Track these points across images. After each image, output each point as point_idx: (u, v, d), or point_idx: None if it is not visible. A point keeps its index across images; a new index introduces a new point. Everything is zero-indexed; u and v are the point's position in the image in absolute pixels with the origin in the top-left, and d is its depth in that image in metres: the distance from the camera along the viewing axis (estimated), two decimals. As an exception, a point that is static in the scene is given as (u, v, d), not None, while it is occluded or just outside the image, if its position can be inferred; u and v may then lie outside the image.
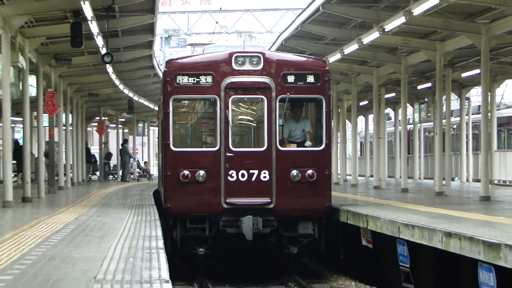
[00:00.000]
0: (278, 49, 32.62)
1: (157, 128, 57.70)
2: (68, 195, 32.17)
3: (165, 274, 9.79)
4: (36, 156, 36.09)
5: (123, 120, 67.15)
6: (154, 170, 63.27)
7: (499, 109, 43.96)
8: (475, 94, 44.00)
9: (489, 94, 29.65)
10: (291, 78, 19.63)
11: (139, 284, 8.98)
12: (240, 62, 19.51)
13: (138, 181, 53.58)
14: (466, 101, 43.18)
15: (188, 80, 19.51)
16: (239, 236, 18.87)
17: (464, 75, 37.07)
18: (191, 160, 19.64)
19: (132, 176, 56.61)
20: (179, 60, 21.19)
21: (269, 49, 29.68)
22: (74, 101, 44.44)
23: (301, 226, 19.70)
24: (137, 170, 59.74)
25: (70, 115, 42.03)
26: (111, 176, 58.24)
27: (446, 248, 14.00)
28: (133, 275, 9.71)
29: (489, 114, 30.20)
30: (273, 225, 19.33)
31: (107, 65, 33.55)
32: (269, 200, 19.34)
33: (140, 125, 70.24)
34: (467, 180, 41.81)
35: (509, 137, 44.62)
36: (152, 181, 52.05)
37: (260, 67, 19.54)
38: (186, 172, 19.21)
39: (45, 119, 34.09)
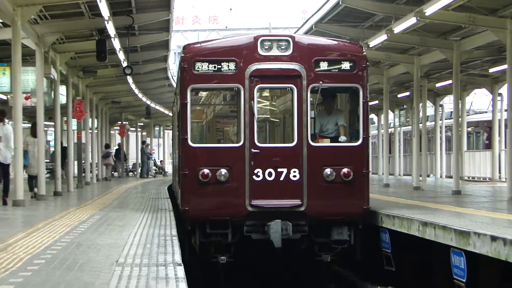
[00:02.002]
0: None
1: (171, 132, 57.49)
2: (93, 189, 32.17)
3: (178, 258, 9.77)
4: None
5: (142, 124, 67.63)
6: (168, 168, 63.28)
7: (469, 115, 43.99)
8: (448, 102, 43.96)
9: (459, 101, 29.69)
10: (324, 65, 15.35)
11: (155, 267, 8.97)
12: (266, 47, 15.17)
13: (155, 177, 53.68)
14: (440, 107, 43.19)
15: (208, 67, 15.18)
16: (266, 242, 14.79)
17: (438, 85, 37.16)
18: (212, 157, 15.24)
19: (149, 173, 56.68)
20: (198, 45, 16.12)
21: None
22: (99, 107, 44.52)
23: (336, 231, 15.35)
24: (154, 167, 59.80)
25: (95, 120, 42.12)
26: (131, 173, 58.36)
27: (423, 235, 13.97)
28: (150, 259, 9.70)
29: (460, 119, 30.23)
30: (304, 230, 15.10)
31: (128, 77, 33.59)
32: (300, 202, 14.93)
33: (157, 128, 71.23)
34: (441, 177, 41.79)
35: (477, 139, 44.68)
36: (167, 177, 52.28)
37: (289, 52, 15.17)
38: (206, 170, 14.89)
39: (73, 123, 34.17)
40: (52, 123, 32.46)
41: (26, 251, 10.29)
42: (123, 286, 7.63)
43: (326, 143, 15.57)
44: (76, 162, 34.87)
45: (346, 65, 15.36)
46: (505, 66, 23.25)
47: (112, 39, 25.69)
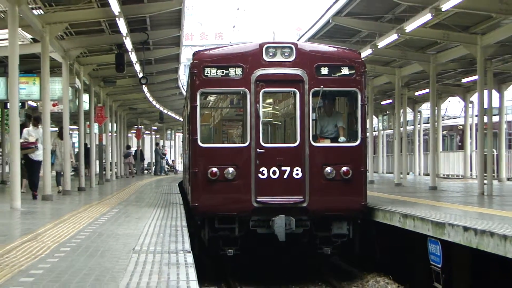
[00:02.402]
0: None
1: (181, 134, 57.63)
2: (113, 185, 32.18)
3: (187, 246, 9.74)
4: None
5: (155, 128, 67.62)
6: (179, 166, 63.34)
7: (444, 120, 44.03)
8: (425, 108, 43.88)
9: (435, 108, 29.67)
10: (324, 70, 14.67)
11: (167, 254, 8.97)
12: (271, 54, 14.52)
13: (167, 175, 53.76)
14: (418, 113, 43.21)
15: (217, 72, 14.53)
16: (270, 236, 14.29)
17: (416, 93, 37.16)
18: (220, 157, 14.68)
19: (162, 171, 56.86)
20: (207, 52, 15.41)
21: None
22: (118, 113, 44.53)
23: (335, 225, 14.84)
24: (166, 166, 59.95)
25: (114, 124, 42.14)
26: (146, 171, 58.52)
27: (403, 226, 13.98)
28: (162, 247, 9.70)
29: (435, 123, 30.22)
30: (306, 225, 14.56)
31: (143, 86, 33.60)
32: (302, 199, 14.35)
33: (168, 132, 71.48)
34: (419, 174, 41.78)
35: (451, 141, 44.73)
36: (178, 174, 52.29)
37: (292, 58, 14.53)
38: (215, 169, 14.32)
39: (95, 127, 34.21)
40: (77, 127, 32.50)
41: (54, 240, 10.30)
42: (139, 271, 7.63)
43: (327, 143, 14.95)
44: (97, 162, 34.90)
45: (345, 71, 14.79)
46: (475, 77, 23.26)
47: (129, 52, 25.72)
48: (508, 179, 32.57)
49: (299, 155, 14.45)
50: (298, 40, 29.12)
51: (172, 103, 50.50)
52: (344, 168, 14.44)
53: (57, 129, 30.36)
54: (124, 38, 22.97)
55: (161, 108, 50.20)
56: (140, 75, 29.67)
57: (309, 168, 14.37)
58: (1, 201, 17.86)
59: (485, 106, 22.40)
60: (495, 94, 29.58)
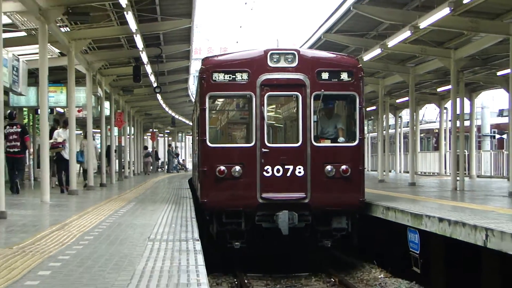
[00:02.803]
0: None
1: (191, 136, 57.72)
2: (130, 182, 32.19)
3: (196, 235, 9.75)
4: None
5: (168, 131, 67.86)
6: (189, 165, 63.40)
7: (421, 124, 44.05)
8: (405, 114, 43.87)
9: (414, 114, 29.74)
10: (325, 75, 13.98)
11: (178, 242, 8.97)
12: (275, 60, 13.86)
13: (178, 172, 53.83)
14: (399, 118, 43.18)
15: (224, 77, 13.88)
16: (275, 230, 13.68)
17: (398, 101, 37.22)
18: (227, 156, 14.01)
19: (174, 169, 57.01)
20: (215, 58, 14.72)
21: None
22: (135, 118, 44.58)
23: (335, 220, 14.18)
24: (178, 164, 60.15)
25: (132, 128, 42.20)
26: (159, 169, 58.70)
27: (385, 217, 13.99)
28: (174, 235, 9.71)
29: (414, 127, 30.28)
30: (307, 219, 13.90)
31: (157, 94, 33.65)
32: (304, 195, 13.71)
33: (179, 134, 71.54)
34: (400, 172, 41.75)
35: (428, 143, 44.73)
36: (188, 172, 52.34)
37: (294, 64, 13.87)
38: (222, 167, 13.67)
39: (115, 130, 34.25)
40: (99, 130, 32.51)
41: (79, 229, 10.31)
42: (153, 257, 7.64)
43: (327, 143, 14.25)
44: (117, 161, 34.93)
45: (344, 76, 14.07)
46: (449, 87, 23.33)
47: (145, 65, 25.78)
48: (477, 176, 32.60)
49: (302, 154, 13.84)
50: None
51: (182, 109, 50.56)
52: (344, 167, 13.83)
53: (82, 132, 30.38)
54: (140, 52, 23.02)
55: (173, 114, 50.30)
56: (155, 84, 29.69)
57: (310, 166, 13.77)
58: (33, 196, 17.87)
59: (458, 112, 22.45)
60: (466, 102, 29.59)
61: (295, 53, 13.99)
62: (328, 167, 13.77)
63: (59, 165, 20.37)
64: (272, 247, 14.60)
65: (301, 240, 14.40)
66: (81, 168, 26.33)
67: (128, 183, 29.79)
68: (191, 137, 57.29)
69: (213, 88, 14.01)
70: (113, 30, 21.45)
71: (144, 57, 24.09)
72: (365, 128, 46.92)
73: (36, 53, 19.48)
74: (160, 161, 61.14)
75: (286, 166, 13.75)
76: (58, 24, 18.93)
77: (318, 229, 14.16)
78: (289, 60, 13.91)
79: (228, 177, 13.69)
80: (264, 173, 13.69)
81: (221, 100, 15.63)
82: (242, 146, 14.53)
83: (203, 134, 14.02)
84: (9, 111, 19.71)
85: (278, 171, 13.73)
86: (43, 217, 12.84)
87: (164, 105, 42.53)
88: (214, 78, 13.92)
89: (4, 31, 14.07)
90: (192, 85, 39.47)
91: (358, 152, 14.25)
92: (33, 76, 24.10)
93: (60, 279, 6.30)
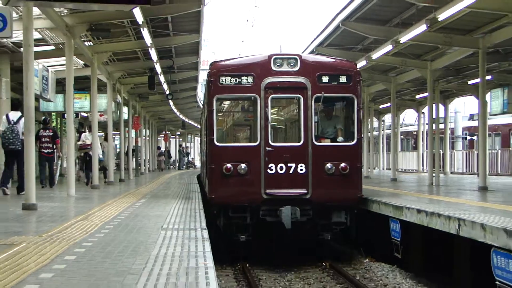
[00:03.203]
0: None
1: (199, 138, 57.79)
2: (146, 177, 32.18)
3: (204, 225, 9.72)
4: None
5: (179, 133, 67.85)
6: (197, 163, 63.44)
7: (402, 127, 44.06)
8: (387, 118, 43.90)
9: (395, 118, 29.72)
10: (325, 79, 13.33)
11: (188, 231, 8.95)
12: (278, 64, 13.27)
13: (188, 169, 53.92)
14: (382, 122, 43.21)
15: (231, 80, 13.25)
16: (278, 224, 13.07)
17: (381, 106, 37.22)
18: (234, 154, 13.35)
19: (184, 166, 57.12)
20: (222, 62, 13.86)
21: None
22: (150, 122, 44.57)
23: (335, 214, 13.55)
24: (187, 163, 60.30)
25: (147, 130, 42.18)
26: (171, 166, 58.81)
27: (369, 209, 13.98)
28: (184, 225, 9.68)
29: (395, 129, 30.25)
30: (309, 214, 13.25)
31: (169, 101, 33.67)
32: (306, 191, 13.07)
33: (189, 136, 71.59)
34: (383, 169, 41.77)
35: (407, 143, 44.76)
36: (196, 169, 52.35)
37: (297, 68, 13.26)
38: (229, 165, 13.05)
39: (132, 132, 34.24)
40: (118, 132, 32.53)
41: (100, 219, 10.30)
42: (166, 244, 7.63)
43: (327, 142, 13.57)
44: (134, 159, 34.93)
45: (343, 79, 13.40)
46: (426, 94, 23.36)
47: (159, 75, 25.80)
48: (451, 173, 32.59)
49: (303, 153, 13.15)
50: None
51: (191, 114, 50.60)
52: (343, 164, 13.14)
53: (103, 134, 30.39)
54: (154, 63, 23.02)
55: (183, 118, 50.34)
56: (167, 92, 29.73)
57: (312, 164, 13.10)
58: (60, 190, 17.87)
59: (434, 116, 22.45)
60: (441, 107, 29.64)
61: (297, 58, 13.42)
62: (328, 165, 13.14)
63: (87, 163, 21.02)
64: (276, 240, 14.01)
65: (303, 233, 13.76)
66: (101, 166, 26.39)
67: (143, 179, 29.79)
68: (199, 138, 57.39)
69: (220, 90, 13.36)
70: (130, 44, 21.47)
71: (158, 68, 24.11)
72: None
73: (63, 65, 19.53)
74: (172, 159, 61.29)
75: (289, 164, 13.12)
76: (82, 39, 18.94)
77: (318, 222, 13.57)
78: (291, 64, 13.33)
79: (234, 174, 13.09)
80: (268, 170, 13.08)
81: (228, 102, 15.02)
82: (248, 145, 13.85)
83: (211, 134, 13.39)
84: (43, 117, 19.96)
85: (281, 168, 13.11)
86: (69, 208, 12.83)
87: (175, 110, 42.55)
88: (221, 81, 13.28)
89: (35, 45, 14.05)
90: (200, 93, 39.47)
91: (356, 150, 13.55)
92: (60, 85, 24.11)
93: (84, 263, 6.29)
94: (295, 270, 13.14)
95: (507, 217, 9.47)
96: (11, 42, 18.45)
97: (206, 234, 8.57)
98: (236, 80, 13.28)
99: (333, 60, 14.56)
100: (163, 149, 56.23)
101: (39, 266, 6.07)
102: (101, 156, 22.22)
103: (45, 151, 18.13)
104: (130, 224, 9.73)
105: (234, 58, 14.31)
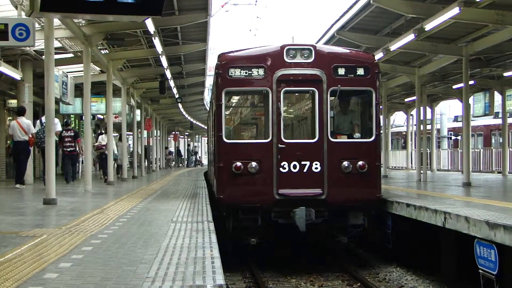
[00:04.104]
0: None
1: (206, 138, 57.82)
2: (157, 174, 32.18)
3: (210, 218, 9.69)
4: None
5: (187, 133, 67.84)
6: (204, 161, 63.49)
7: (392, 128, 44.04)
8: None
9: (387, 119, 29.70)
10: (341, 71, 11.29)
11: (196, 223, 8.92)
12: (291, 55, 11.22)
13: (196, 167, 54.02)
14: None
15: (240, 72, 11.20)
16: (291, 227, 11.13)
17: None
18: (244, 152, 11.27)
19: (192, 164, 57.22)
20: (231, 53, 11.69)
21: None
22: (161, 123, 44.61)
23: (352, 216, 11.53)
24: (195, 161, 60.49)
25: (158, 131, 42.20)
26: (180, 164, 58.93)
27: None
28: (192, 218, 9.64)
29: (387, 130, 30.22)
30: (324, 215, 11.31)
31: (179, 104, 33.63)
32: (321, 191, 11.06)
33: (196, 136, 71.56)
34: (374, 166, 41.72)
35: (397, 143, 44.69)
36: (203, 167, 52.42)
37: (311, 59, 11.21)
38: (239, 163, 11.03)
39: (145, 133, 34.22)
40: (131, 133, 32.53)
41: (115, 213, 10.29)
42: (175, 235, 7.61)
43: (344, 139, 11.56)
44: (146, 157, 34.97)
45: (361, 71, 11.40)
46: (414, 97, 23.27)
47: (169, 80, 25.77)
48: (437, 170, 32.53)
49: (318, 150, 11.17)
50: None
51: (199, 116, 50.62)
52: (360, 162, 11.18)
53: (117, 134, 30.42)
54: (165, 70, 23.01)
55: (191, 119, 50.30)
56: (177, 96, 29.66)
57: (327, 162, 11.13)
58: (78, 186, 17.86)
59: (421, 118, 22.41)
60: (428, 110, 29.57)
61: (312, 48, 11.37)
62: (345, 163, 11.16)
63: (103, 162, 21.85)
64: (288, 243, 12.45)
65: (317, 236, 12.17)
66: (116, 164, 26.40)
67: (155, 176, 29.78)
68: (206, 138, 57.45)
69: (229, 83, 11.32)
70: (143, 52, 21.47)
71: (168, 73, 24.08)
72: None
73: (81, 71, 19.52)
74: (181, 158, 61.48)
75: (302, 162, 11.12)
76: (99, 47, 18.96)
77: (334, 225, 11.65)
78: (305, 55, 11.30)
79: (244, 173, 11.09)
80: (281, 169, 11.09)
81: (237, 96, 13.06)
82: (259, 142, 11.71)
83: (220, 130, 11.37)
84: (65, 119, 20.37)
85: (294, 167, 11.12)
86: (86, 203, 12.82)
87: (184, 112, 42.51)
88: (230, 74, 11.25)
89: (56, 53, 14.04)
90: (207, 96, 39.47)
91: (375, 147, 11.57)
92: (78, 89, 24.11)
93: (100, 253, 6.28)
94: (308, 276, 11.23)
95: (489, 211, 9.44)
96: (33, 50, 18.50)
97: (212, 226, 8.54)
98: (246, 73, 11.28)
99: (349, 51, 12.35)
100: (171, 149, 56.36)
101: (59, 256, 6.06)
102: (115, 152, 22.48)
103: (68, 149, 18.64)
104: (142, 217, 9.71)
105: (244, 49, 12.10)
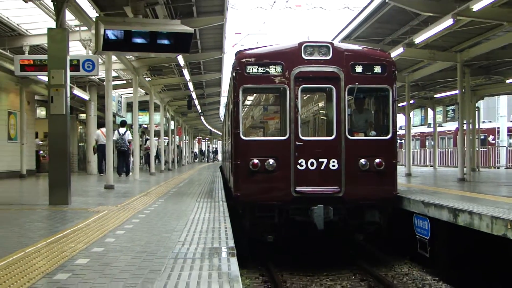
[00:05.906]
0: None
1: (220, 141, 57.76)
2: (186, 168, 32.11)
3: (224, 198, 9.55)
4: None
5: (207, 138, 67.70)
6: (219, 157, 63.47)
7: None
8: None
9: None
10: (359, 68, 8.60)
11: (215, 202, 8.82)
12: (309, 52, 8.50)
13: (213, 162, 53.89)
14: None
15: (258, 70, 8.44)
16: (308, 224, 8.47)
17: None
18: (261, 149, 8.49)
19: (211, 160, 57.15)
20: (249, 51, 8.77)
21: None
22: (188, 131, 44.45)
23: (368, 214, 8.72)
24: (214, 158, 60.53)
25: (186, 136, 42.14)
26: (203, 160, 58.84)
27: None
28: (212, 198, 9.34)
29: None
30: (341, 213, 8.57)
31: (201, 117, 33.58)
32: (339, 189, 8.37)
33: (214, 140, 71.32)
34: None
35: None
36: (218, 162, 52.38)
37: (329, 57, 8.51)
38: (256, 160, 8.33)
39: (177, 138, 34.21)
40: (167, 138, 32.58)
41: (156, 195, 10.26)
42: (198, 211, 7.59)
43: (361, 136, 8.89)
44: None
45: (378, 69, 8.69)
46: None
47: (194, 99, 25.73)
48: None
49: (336, 147, 8.49)
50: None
51: (216, 125, 50.54)
52: (377, 160, 8.52)
53: (157, 139, 30.41)
54: (191, 92, 22.99)
55: (211, 128, 50.28)
56: (200, 111, 29.64)
57: (345, 160, 8.47)
58: (129, 176, 17.78)
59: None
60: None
61: (329, 45, 8.63)
62: (362, 161, 8.50)
63: (148, 159, 22.52)
64: (305, 240, 9.59)
65: (334, 234, 9.23)
66: (157, 160, 26.50)
67: (184, 169, 29.71)
68: (220, 141, 57.37)
69: (246, 80, 8.52)
70: (175, 79, 21.46)
71: (193, 95, 24.09)
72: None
73: (131, 93, 19.52)
74: (203, 155, 61.65)
75: (320, 160, 8.45)
76: (144, 76, 18.95)
77: (350, 222, 8.83)
78: (323, 53, 8.59)
79: (262, 171, 8.40)
80: (298, 166, 8.40)
81: (254, 94, 10.52)
82: (276, 139, 8.76)
83: (237, 127, 8.57)
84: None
85: (312, 164, 8.44)
86: (135, 188, 12.80)
87: (205, 123, 42.46)
88: (247, 71, 8.49)
89: (113, 80, 14.15)
90: (222, 112, 39.36)
91: (392, 145, 8.81)
92: (129, 106, 24.14)
93: (145, 224, 6.29)
94: (324, 273, 8.52)
95: (424, 195, 9.39)
96: (98, 78, 18.62)
97: (225, 205, 8.46)
98: (263, 70, 8.54)
99: (367, 49, 9.43)
100: (196, 150, 56.63)
101: (115, 226, 6.08)
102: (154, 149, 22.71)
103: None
104: (175, 198, 9.65)
105: (261, 47, 9.20)
